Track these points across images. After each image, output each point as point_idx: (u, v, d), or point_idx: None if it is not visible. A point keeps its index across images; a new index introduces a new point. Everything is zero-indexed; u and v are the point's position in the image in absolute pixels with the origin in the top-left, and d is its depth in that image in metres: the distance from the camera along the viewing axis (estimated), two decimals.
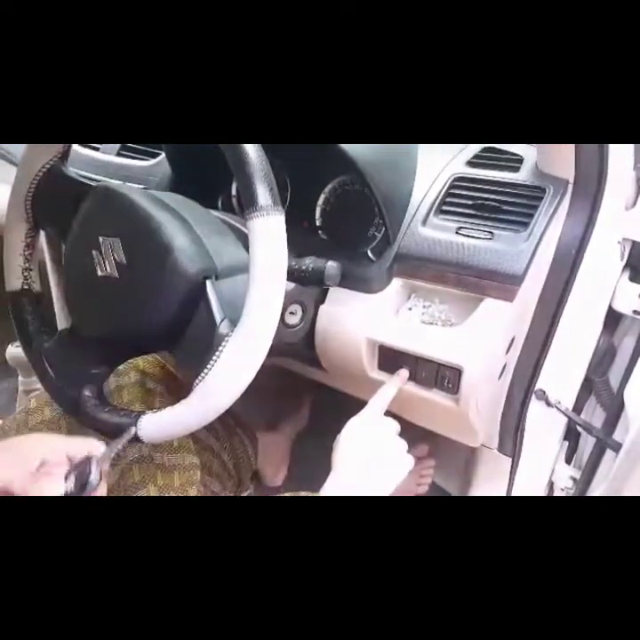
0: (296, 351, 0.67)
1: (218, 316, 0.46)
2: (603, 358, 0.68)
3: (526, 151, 0.60)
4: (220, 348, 0.43)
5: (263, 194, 0.41)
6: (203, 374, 0.44)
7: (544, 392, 0.66)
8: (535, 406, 0.67)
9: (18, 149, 0.91)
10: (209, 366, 0.43)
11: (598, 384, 0.70)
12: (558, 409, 0.67)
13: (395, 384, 0.59)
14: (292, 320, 0.63)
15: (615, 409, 0.69)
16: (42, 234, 0.59)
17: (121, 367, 0.63)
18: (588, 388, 0.71)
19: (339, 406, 0.71)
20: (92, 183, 0.53)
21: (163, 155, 0.73)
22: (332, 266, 0.51)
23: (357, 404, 0.58)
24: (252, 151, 0.42)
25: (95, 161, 0.80)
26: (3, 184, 0.99)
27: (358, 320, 0.61)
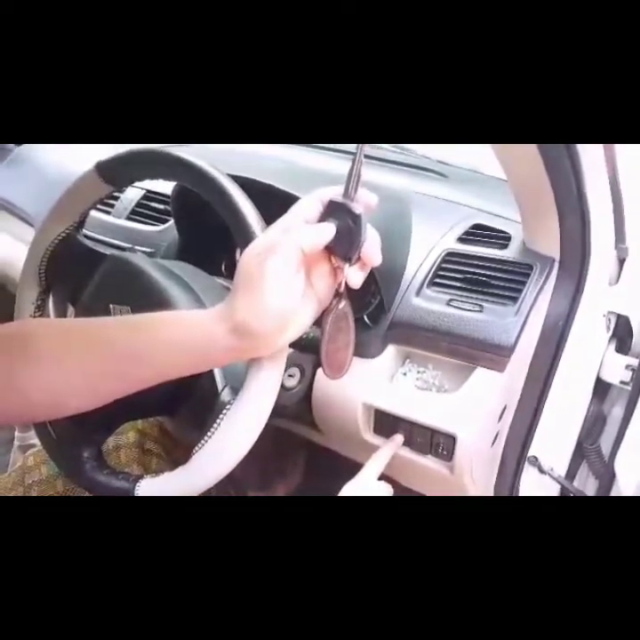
0: (293, 412, 0.69)
1: (220, 383, 0.48)
2: (593, 426, 0.70)
3: (514, 229, 0.64)
4: (221, 416, 0.45)
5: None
6: (203, 441, 0.45)
7: (536, 459, 0.67)
8: (528, 473, 0.67)
9: (33, 208, 0.95)
10: (209, 434, 0.45)
11: (589, 451, 0.71)
12: (551, 476, 0.68)
13: (389, 449, 0.60)
14: (290, 383, 0.65)
15: (607, 477, 0.70)
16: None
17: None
18: (580, 454, 0.72)
19: (332, 467, 0.71)
20: (105, 252, 0.56)
21: (171, 221, 0.77)
22: None
23: (351, 466, 0.59)
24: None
25: (106, 224, 0.83)
26: (3, 234, 1.03)
27: (355, 384, 0.63)
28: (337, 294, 0.41)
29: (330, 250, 0.38)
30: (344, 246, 0.38)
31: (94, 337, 0.39)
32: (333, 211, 0.38)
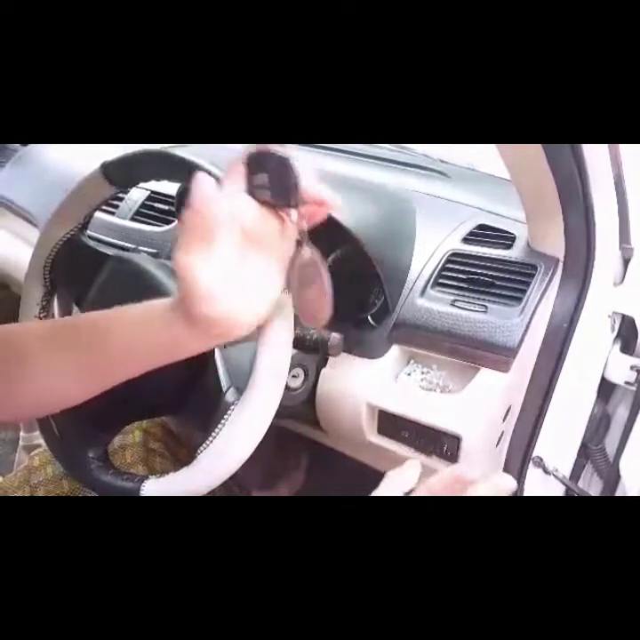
0: (296, 412, 0.69)
1: (225, 383, 0.48)
2: (598, 427, 0.70)
3: (519, 230, 0.63)
4: (226, 417, 0.45)
5: None
6: (207, 442, 0.45)
7: (541, 459, 0.67)
8: (533, 473, 0.67)
9: (37, 209, 0.95)
10: (214, 434, 0.45)
11: (594, 452, 0.71)
12: (555, 477, 0.68)
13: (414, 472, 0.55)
14: (294, 383, 0.65)
15: (612, 478, 0.70)
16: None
17: None
18: (584, 455, 0.72)
19: (336, 467, 0.71)
20: (109, 252, 0.57)
21: (175, 222, 0.77)
22: (335, 337, 0.53)
23: (355, 466, 0.59)
24: None
25: (110, 225, 0.84)
26: (4, 231, 1.03)
27: (359, 384, 0.63)
28: (298, 243, 0.38)
29: (270, 204, 0.36)
30: (281, 193, 0.36)
31: (60, 336, 0.40)
32: (258, 163, 0.36)
